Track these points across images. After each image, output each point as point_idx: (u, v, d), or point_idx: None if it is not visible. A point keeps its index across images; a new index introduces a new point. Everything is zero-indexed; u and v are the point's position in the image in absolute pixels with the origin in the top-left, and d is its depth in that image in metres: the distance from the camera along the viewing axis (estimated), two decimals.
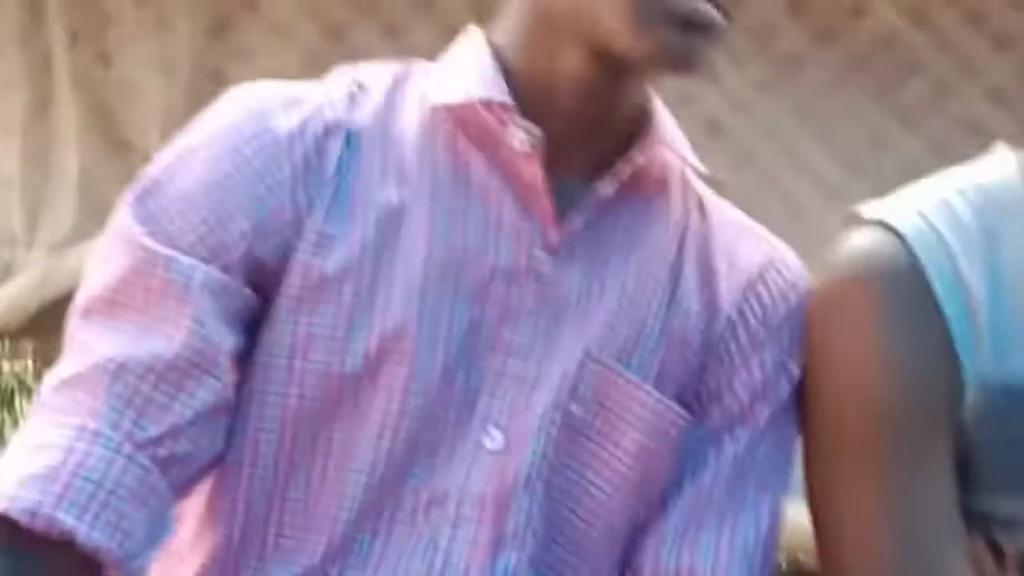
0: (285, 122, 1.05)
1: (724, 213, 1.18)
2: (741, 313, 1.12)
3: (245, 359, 1.06)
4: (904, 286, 1.04)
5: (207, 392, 1.00)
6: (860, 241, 1.08)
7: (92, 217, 2.56)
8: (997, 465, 1.06)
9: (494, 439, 1.03)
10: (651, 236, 1.11)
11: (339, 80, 1.10)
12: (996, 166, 1.10)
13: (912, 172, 2.75)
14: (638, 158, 1.08)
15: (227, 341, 1.02)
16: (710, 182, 1.19)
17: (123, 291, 1.00)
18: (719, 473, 1.10)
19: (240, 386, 1.05)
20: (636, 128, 1.11)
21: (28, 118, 2.79)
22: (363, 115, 1.07)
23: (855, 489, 1.06)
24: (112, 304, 1.00)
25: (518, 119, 1.04)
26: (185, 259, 1.00)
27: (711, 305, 1.12)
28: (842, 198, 2.79)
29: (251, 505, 1.05)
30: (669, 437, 1.08)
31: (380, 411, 1.02)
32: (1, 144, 2.81)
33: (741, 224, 1.18)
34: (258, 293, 1.05)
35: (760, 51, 2.83)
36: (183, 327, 0.99)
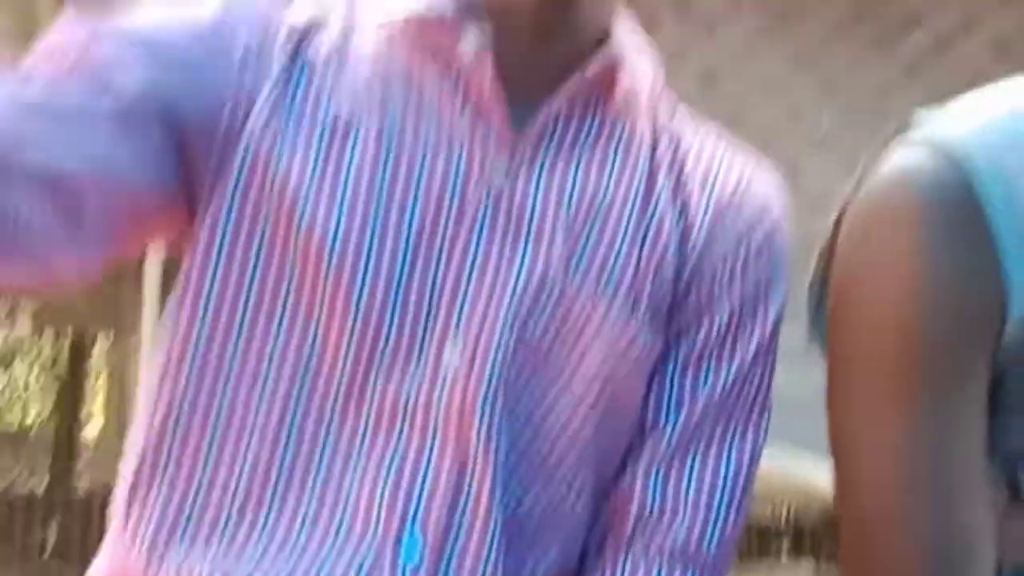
0: (253, 10, 1.05)
1: (698, 130, 1.14)
2: (721, 229, 1.09)
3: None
4: (957, 208, 0.99)
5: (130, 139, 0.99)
6: (910, 161, 1.01)
7: None
8: None
9: (453, 353, 1.01)
10: (617, 153, 1.08)
11: (303, 3, 1.08)
12: None
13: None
14: (590, 71, 1.05)
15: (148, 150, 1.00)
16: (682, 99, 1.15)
17: (58, 52, 0.99)
18: (706, 403, 1.08)
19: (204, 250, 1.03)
20: (598, 45, 1.07)
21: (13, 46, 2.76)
22: (319, 40, 1.06)
23: (883, 424, 1.01)
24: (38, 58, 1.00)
25: (469, 28, 1.03)
26: (131, 50, 0.99)
27: (685, 223, 1.09)
28: (840, 152, 2.78)
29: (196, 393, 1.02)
30: (634, 361, 1.06)
31: (325, 318, 1.01)
32: None
33: (717, 141, 1.14)
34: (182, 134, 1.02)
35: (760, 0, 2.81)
36: (131, 81, 0.98)
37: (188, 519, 1.01)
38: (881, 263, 1.01)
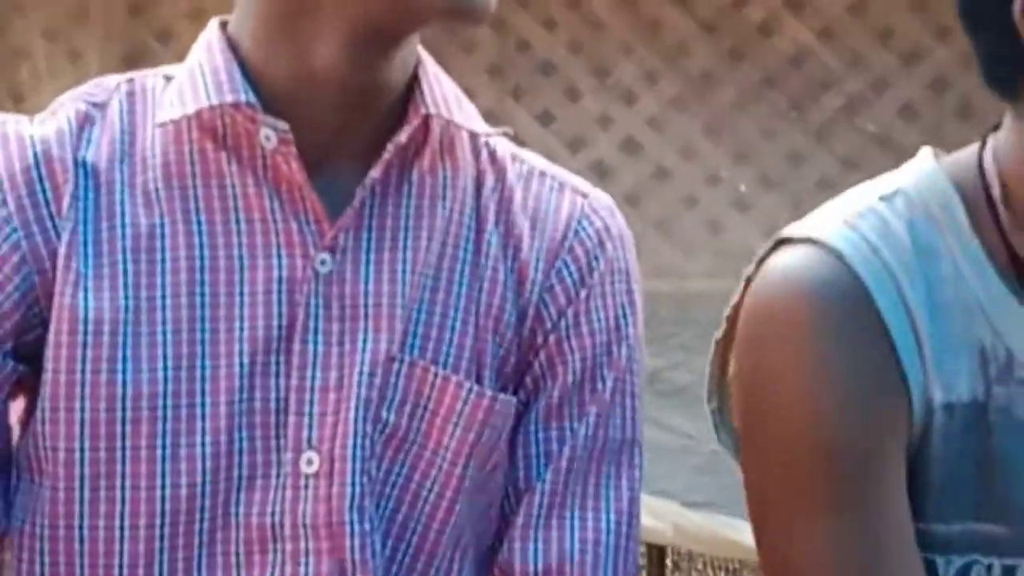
0: (4, 159, 0.98)
1: (524, 168, 1.07)
2: (557, 272, 1.04)
3: (31, 416, 0.99)
4: (847, 304, 0.95)
5: None
6: (792, 260, 0.98)
7: None
8: (935, 487, 0.98)
9: (311, 462, 0.97)
10: (441, 212, 1.02)
11: (68, 106, 1.01)
12: (918, 172, 1.02)
13: (827, 186, 2.84)
14: (403, 134, 0.99)
15: None
16: (510, 137, 1.09)
17: None
18: (573, 455, 1.04)
19: (30, 444, 0.99)
20: (407, 104, 1.02)
21: None
22: (99, 143, 1.00)
23: (812, 530, 0.97)
24: None
25: (265, 117, 0.96)
26: None
27: (519, 270, 1.04)
28: (759, 212, 2.83)
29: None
30: (495, 426, 1.02)
31: (171, 453, 0.96)
32: None
33: (544, 176, 1.08)
34: (20, 343, 0.97)
35: (673, 70, 2.87)
36: None
37: None
38: (779, 376, 0.97)
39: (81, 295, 0.96)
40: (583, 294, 1.05)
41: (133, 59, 2.66)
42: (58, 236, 0.96)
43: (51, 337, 0.96)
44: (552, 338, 1.04)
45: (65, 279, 0.96)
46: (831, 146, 2.86)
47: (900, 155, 1.09)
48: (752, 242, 2.78)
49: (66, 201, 0.97)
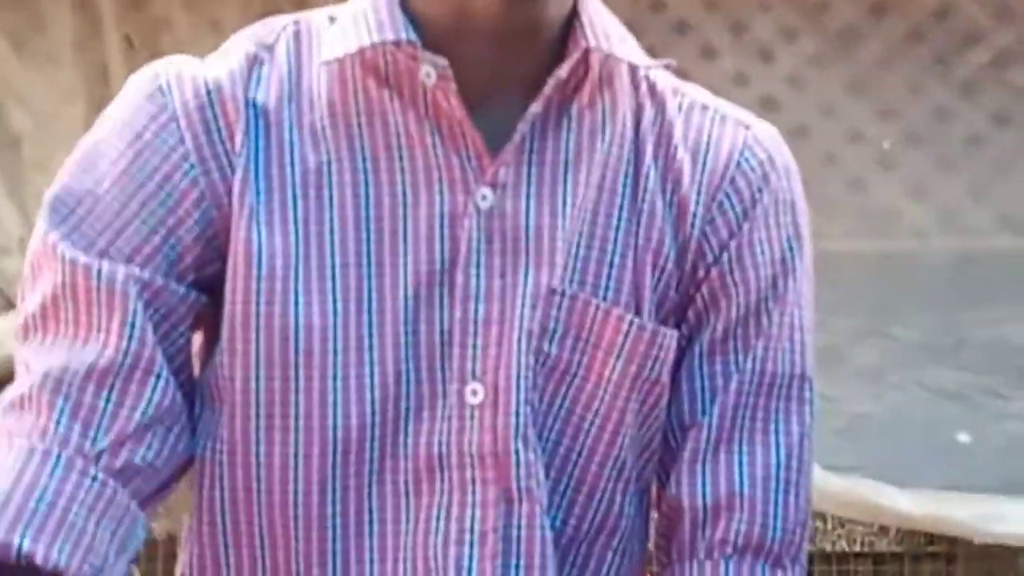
0: (180, 97, 1.01)
1: (686, 101, 1.08)
2: (719, 205, 1.04)
3: (211, 347, 1.03)
4: None
5: (154, 393, 0.98)
6: None
7: None
8: None
9: (476, 393, 0.99)
10: (600, 146, 1.03)
11: (239, 47, 1.05)
12: None
13: (974, 143, 2.77)
14: (563, 68, 1.00)
15: (168, 338, 1.00)
16: (673, 70, 1.09)
17: (52, 306, 0.99)
18: (739, 389, 1.04)
19: (210, 375, 1.03)
20: (565, 37, 1.02)
21: (88, 128, 2.81)
22: (268, 82, 1.03)
23: None
24: (44, 320, 0.99)
25: (424, 53, 0.98)
26: (106, 264, 0.98)
27: (679, 203, 1.03)
28: (904, 170, 2.77)
29: (227, 498, 1.02)
30: (658, 359, 1.02)
31: (342, 384, 0.99)
32: (63, 154, 2.83)
33: (706, 108, 1.08)
34: (202, 276, 1.02)
35: (812, 27, 2.81)
36: (114, 332, 0.97)
37: None
38: None
39: (255, 230, 1.00)
40: (746, 227, 1.04)
41: None
42: (233, 172, 1.00)
43: (228, 270, 1.00)
44: (715, 272, 1.04)
45: (239, 213, 1.00)
46: (979, 102, 2.77)
47: None
48: (896, 201, 2.72)
49: (239, 139, 1.00)
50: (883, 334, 2.63)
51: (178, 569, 1.07)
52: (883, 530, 6.18)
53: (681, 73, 1.10)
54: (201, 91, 1.02)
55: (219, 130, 1.01)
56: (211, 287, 1.02)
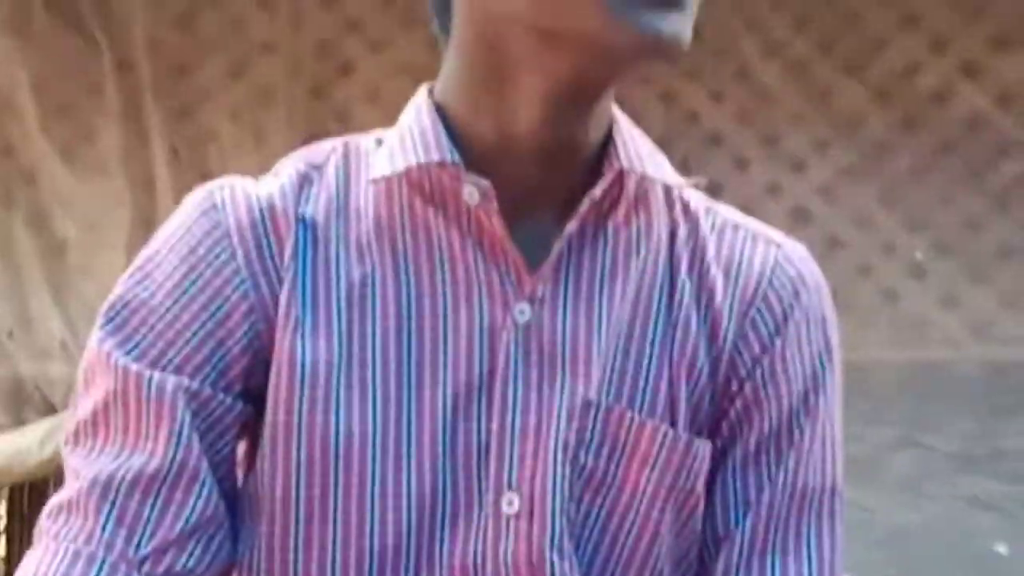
0: (234, 214, 1.05)
1: (718, 220, 1.11)
2: (751, 321, 1.06)
3: (254, 455, 1.04)
4: None
5: (198, 501, 1.00)
6: None
7: None
8: None
9: (511, 503, 1.00)
10: (635, 262, 1.05)
11: (290, 167, 1.09)
12: None
13: (1007, 253, 2.78)
14: (596, 191, 1.02)
15: (214, 447, 1.02)
16: (704, 188, 1.12)
17: (103, 413, 1.01)
18: (772, 501, 1.04)
19: (252, 483, 1.04)
20: (602, 159, 1.05)
21: (133, 234, 2.87)
22: (317, 199, 1.06)
23: None
24: (95, 427, 1.01)
25: (468, 174, 1.01)
26: (157, 374, 1.00)
27: (712, 319, 1.06)
28: (936, 280, 2.78)
29: None
30: (692, 470, 1.03)
31: (379, 491, 1.00)
32: (107, 260, 2.88)
33: (738, 228, 1.11)
34: (248, 387, 1.04)
35: (845, 139, 2.84)
36: (162, 441, 0.99)
37: None
38: None
39: (299, 340, 1.02)
40: (778, 343, 1.06)
41: (313, 140, 2.74)
42: (281, 285, 1.03)
43: (272, 379, 1.02)
44: (748, 386, 1.06)
45: (285, 325, 1.02)
46: (1011, 212, 2.79)
47: None
48: (929, 311, 2.71)
49: (288, 253, 1.04)
50: (918, 444, 2.62)
51: None
52: None
53: (714, 184, 1.13)
54: (254, 208, 1.06)
55: (269, 245, 1.04)
56: (257, 396, 1.05)
